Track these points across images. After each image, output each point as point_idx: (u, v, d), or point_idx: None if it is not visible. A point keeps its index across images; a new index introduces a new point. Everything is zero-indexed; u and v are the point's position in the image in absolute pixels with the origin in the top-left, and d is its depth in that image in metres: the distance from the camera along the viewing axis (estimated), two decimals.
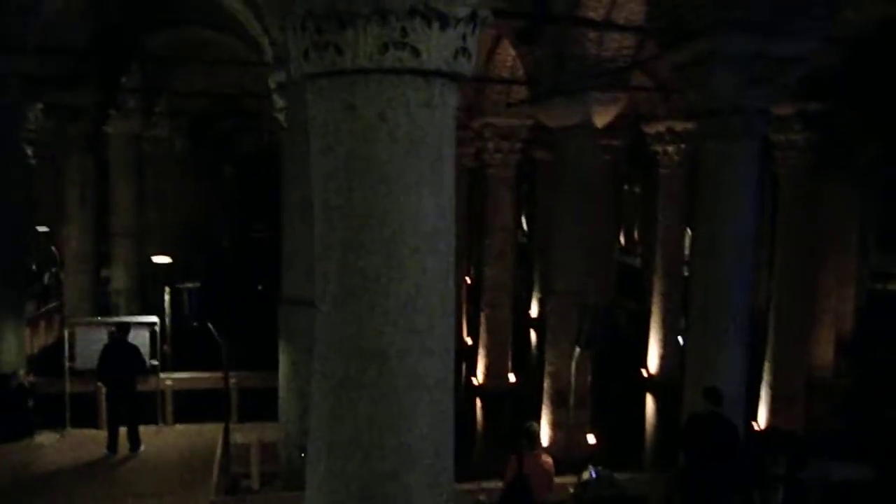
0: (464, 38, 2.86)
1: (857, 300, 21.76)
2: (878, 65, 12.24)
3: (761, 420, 13.23)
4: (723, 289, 7.78)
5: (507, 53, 14.02)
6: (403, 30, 2.68)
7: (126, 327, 10.02)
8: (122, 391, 9.68)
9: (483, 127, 15.04)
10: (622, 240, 36.37)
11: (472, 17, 2.86)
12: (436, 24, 2.71)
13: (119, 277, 17.87)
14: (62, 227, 16.27)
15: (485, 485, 6.62)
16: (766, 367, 13.26)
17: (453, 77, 2.90)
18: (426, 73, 2.79)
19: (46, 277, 19.60)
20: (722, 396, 6.80)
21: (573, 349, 11.41)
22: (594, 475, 6.34)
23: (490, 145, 15.08)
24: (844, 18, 11.40)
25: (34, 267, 18.23)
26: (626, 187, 33.90)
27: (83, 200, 15.14)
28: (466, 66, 2.95)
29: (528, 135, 15.50)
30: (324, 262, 2.90)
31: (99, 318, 13.05)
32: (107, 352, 9.75)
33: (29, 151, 11.62)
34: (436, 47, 2.75)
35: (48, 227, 19.91)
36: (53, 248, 19.96)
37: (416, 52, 2.72)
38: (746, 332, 7.92)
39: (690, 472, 6.70)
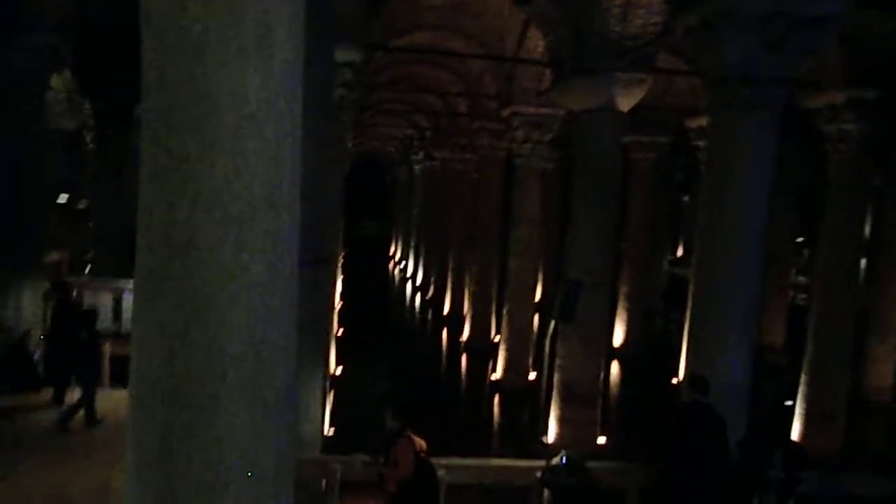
0: None
1: None
2: None
3: (795, 435, 12.32)
4: (727, 269, 7.16)
5: (539, 39, 13.61)
6: None
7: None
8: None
9: (512, 115, 14.64)
10: (679, 251, 35.16)
11: None
12: None
13: None
14: None
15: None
16: (803, 379, 12.32)
17: None
18: None
19: None
20: (708, 384, 6.20)
21: (582, 343, 11.04)
22: (564, 462, 5.85)
23: (519, 135, 14.65)
24: None
25: None
26: (685, 199, 32.75)
27: None
28: None
29: (562, 127, 15.02)
30: (142, 144, 2.63)
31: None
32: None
33: None
34: None
35: None
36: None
37: None
38: (755, 316, 7.28)
39: (672, 464, 6.13)
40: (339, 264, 20.13)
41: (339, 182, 16.24)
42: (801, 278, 22.37)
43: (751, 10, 6.65)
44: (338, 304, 19.38)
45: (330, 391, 12.59)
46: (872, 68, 10.82)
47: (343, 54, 9.30)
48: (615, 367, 18.21)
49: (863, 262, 19.66)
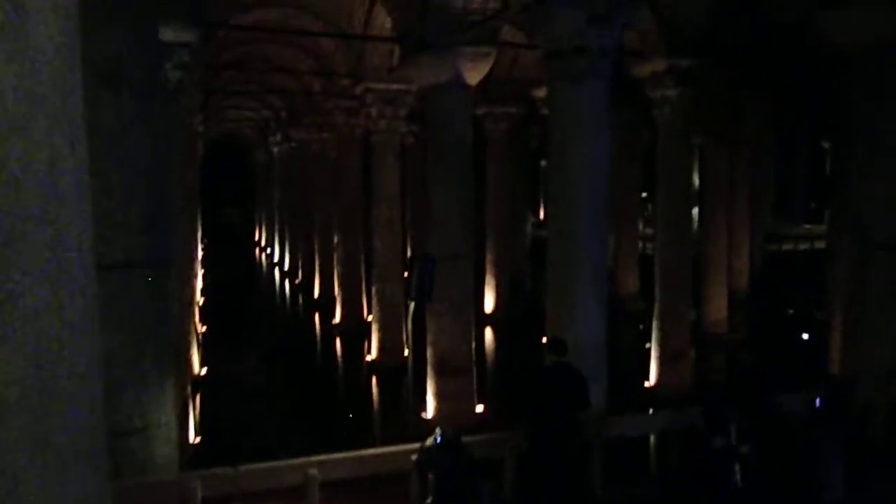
0: None
1: (751, 259, 22.49)
2: (742, 17, 12.34)
3: (652, 377, 13.35)
4: (575, 234, 7.57)
5: (386, 16, 13.52)
6: None
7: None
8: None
9: (365, 92, 14.52)
10: (542, 214, 36.55)
11: None
12: None
13: None
14: None
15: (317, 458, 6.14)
16: (654, 324, 13.34)
17: None
18: None
19: None
20: (565, 345, 6.56)
21: (451, 316, 11.29)
22: (439, 440, 5.94)
23: (373, 111, 14.57)
24: None
25: None
26: (543, 163, 34.05)
27: None
28: None
29: (417, 101, 15.08)
30: None
31: None
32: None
33: None
34: None
35: None
36: None
37: None
38: (602, 275, 7.76)
39: (538, 426, 6.45)
40: (197, 258, 19.27)
41: (191, 171, 15.48)
42: (648, 230, 24.01)
43: None
44: (199, 300, 18.61)
45: (194, 396, 12.09)
46: (687, 39, 11.81)
47: (174, 34, 8.79)
48: (489, 334, 18.82)
49: (696, 211, 21.65)
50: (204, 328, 17.31)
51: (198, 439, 10.57)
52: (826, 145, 32.74)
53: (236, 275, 31.13)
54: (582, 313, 7.67)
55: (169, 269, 6.18)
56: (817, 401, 6.91)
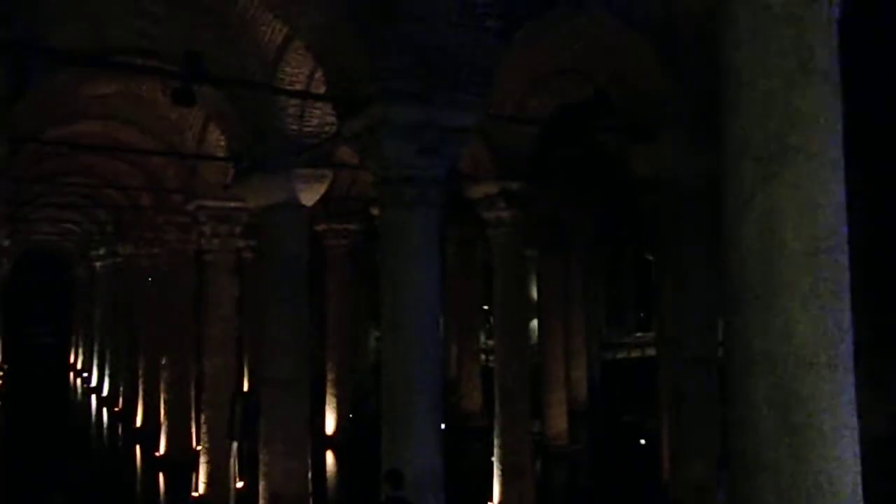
0: None
1: (589, 370, 23.57)
2: (564, 147, 13.49)
3: (495, 495, 13.14)
4: (408, 361, 7.42)
5: (220, 134, 13.31)
6: None
7: None
8: None
9: (197, 210, 13.96)
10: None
11: None
12: None
13: None
14: None
15: None
16: (495, 440, 13.28)
17: None
18: None
19: None
20: (402, 477, 6.26)
21: (285, 446, 10.58)
22: None
23: (206, 229, 13.99)
24: (529, 105, 12.46)
25: None
26: None
27: None
28: None
29: (253, 217, 14.71)
30: None
31: None
32: None
33: None
34: None
35: None
36: None
37: None
38: (438, 403, 7.61)
39: None
40: None
41: None
42: (490, 342, 24.56)
43: (405, 120, 7.24)
44: None
45: None
46: (515, 164, 12.65)
47: None
48: (329, 459, 17.87)
49: (535, 324, 22.53)
50: None
51: None
52: (650, 258, 35.81)
53: (44, 403, 27.71)
54: (418, 442, 7.42)
55: None
56: None
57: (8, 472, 15.54)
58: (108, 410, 25.26)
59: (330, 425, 18.69)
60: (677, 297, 9.65)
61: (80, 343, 36.04)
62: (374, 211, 16.96)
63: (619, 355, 31.27)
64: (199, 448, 15.04)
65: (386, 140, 7.38)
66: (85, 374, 33.10)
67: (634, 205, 15.13)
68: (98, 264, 27.38)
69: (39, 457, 18.67)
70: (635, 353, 31.82)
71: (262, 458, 10.56)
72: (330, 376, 18.72)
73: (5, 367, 23.36)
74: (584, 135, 14.22)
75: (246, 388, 19.84)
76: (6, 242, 17.77)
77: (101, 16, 9.67)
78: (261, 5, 8.89)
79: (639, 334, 34.79)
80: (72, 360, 38.49)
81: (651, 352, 25.54)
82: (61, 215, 24.99)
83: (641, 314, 38.68)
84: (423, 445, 7.41)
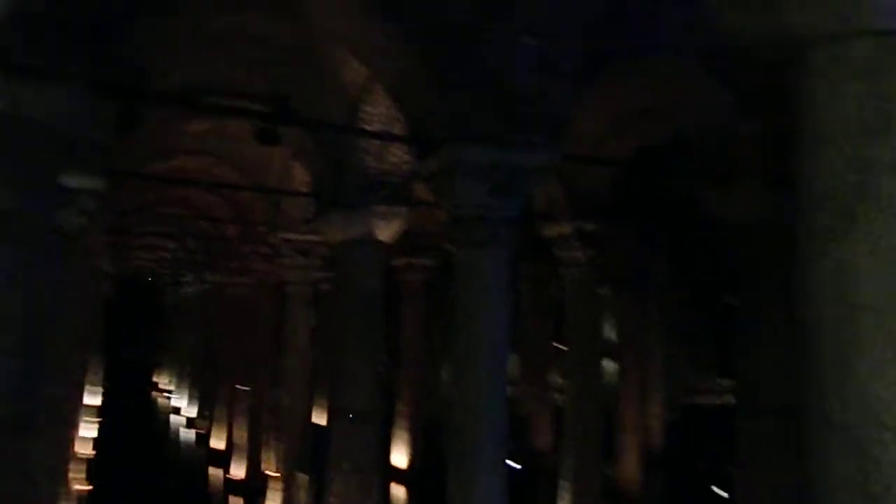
0: None
1: (666, 413, 22.73)
2: (640, 188, 13.32)
3: None
4: (476, 396, 7.45)
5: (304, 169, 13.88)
6: None
7: None
8: None
9: (280, 242, 14.54)
10: None
11: None
12: None
13: None
14: None
15: None
16: (563, 483, 13.02)
17: None
18: None
19: None
20: None
21: (355, 478, 10.71)
22: None
23: (287, 261, 14.53)
24: (607, 146, 12.43)
25: None
26: None
27: None
28: None
29: (330, 252, 15.16)
30: None
31: None
32: None
33: None
34: None
35: None
36: None
37: None
38: (503, 440, 7.60)
39: None
40: (97, 408, 18.04)
41: (88, 315, 14.80)
42: (562, 381, 24.09)
43: (477, 161, 7.37)
44: (90, 454, 17.18)
45: None
46: (591, 205, 12.60)
47: (78, 182, 8.71)
48: (400, 493, 17.90)
49: (610, 364, 21.98)
50: (90, 487, 15.79)
51: None
52: (729, 301, 34.47)
53: (134, 423, 29.08)
54: (482, 479, 7.40)
55: (34, 433, 5.66)
56: None
57: (99, 493, 16.31)
58: (194, 431, 26.27)
59: (402, 459, 18.75)
60: (756, 344, 9.29)
61: (166, 364, 37.78)
62: (450, 247, 17.18)
63: (700, 400, 30.00)
64: (269, 473, 15.42)
65: (458, 180, 7.54)
66: (167, 394, 34.73)
67: (713, 248, 14.73)
68: (188, 290, 28.75)
69: (129, 477, 19.57)
70: (715, 399, 30.46)
71: (332, 488, 10.73)
72: (402, 409, 18.83)
73: (105, 385, 24.71)
74: (662, 177, 14.04)
75: (318, 419, 20.26)
76: (108, 269, 18.96)
77: (197, 60, 10.38)
78: (346, 50, 9.33)
79: (720, 380, 33.30)
80: (160, 380, 40.40)
81: (731, 398, 24.42)
82: (156, 243, 26.44)
83: (721, 359, 37.09)
84: (488, 484, 7.38)
